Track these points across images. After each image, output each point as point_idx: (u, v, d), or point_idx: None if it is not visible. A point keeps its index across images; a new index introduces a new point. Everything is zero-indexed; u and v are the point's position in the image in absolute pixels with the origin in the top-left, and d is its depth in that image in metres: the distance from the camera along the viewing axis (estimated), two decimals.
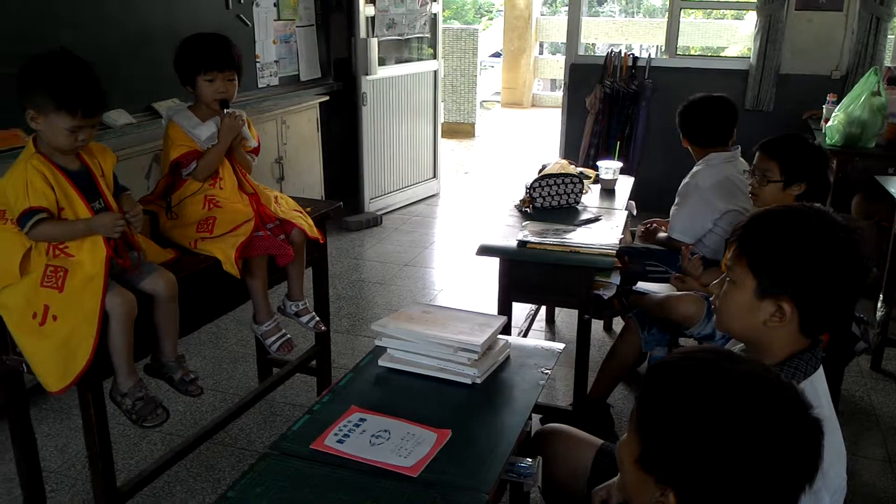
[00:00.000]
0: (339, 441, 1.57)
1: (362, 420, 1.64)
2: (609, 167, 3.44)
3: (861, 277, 1.36)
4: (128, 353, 2.02)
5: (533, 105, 11.15)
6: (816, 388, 1.36)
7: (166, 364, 2.24)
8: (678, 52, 5.86)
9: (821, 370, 1.40)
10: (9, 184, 1.89)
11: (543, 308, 3.87)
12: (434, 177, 6.22)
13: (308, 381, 3.17)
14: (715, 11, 12.53)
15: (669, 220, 3.19)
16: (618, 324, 3.60)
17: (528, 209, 3.08)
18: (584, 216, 3.01)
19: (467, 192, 6.53)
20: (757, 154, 2.63)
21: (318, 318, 2.75)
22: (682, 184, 3.15)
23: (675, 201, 3.16)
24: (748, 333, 1.42)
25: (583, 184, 3.18)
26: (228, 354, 3.52)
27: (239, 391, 3.17)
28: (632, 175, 3.85)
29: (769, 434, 0.95)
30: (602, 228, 2.88)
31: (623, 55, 5.60)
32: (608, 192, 3.40)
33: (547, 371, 1.88)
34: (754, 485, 0.94)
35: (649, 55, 5.81)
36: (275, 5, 4.76)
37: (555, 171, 3.21)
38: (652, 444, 1.00)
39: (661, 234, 3.25)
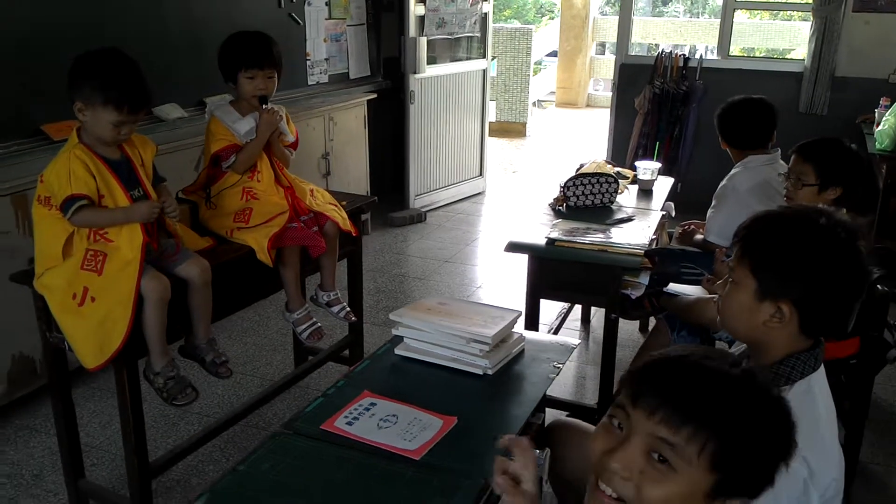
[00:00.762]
0: (349, 423, 1.63)
1: (373, 404, 1.70)
2: (647, 167, 3.44)
3: (862, 281, 1.36)
4: (160, 334, 2.13)
5: (588, 105, 11.10)
6: (813, 387, 1.36)
7: (199, 346, 2.35)
8: (740, 54, 5.77)
9: (822, 371, 1.40)
10: (53, 172, 2.01)
11: (579, 307, 3.88)
12: (480, 175, 6.27)
13: (341, 369, 3.25)
14: (782, 13, 12.25)
15: (706, 223, 3.17)
16: (653, 324, 3.58)
17: (561, 208, 3.10)
18: (618, 216, 3.02)
19: (513, 190, 6.55)
20: (793, 157, 2.60)
21: (348, 309, 2.83)
22: (719, 186, 3.13)
23: (712, 203, 3.13)
24: (748, 333, 1.43)
25: (618, 183, 3.18)
26: (269, 342, 3.64)
27: (275, 377, 3.27)
28: (679, 177, 3.82)
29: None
30: (633, 228, 2.88)
31: (674, 56, 5.55)
32: (645, 192, 3.39)
33: (559, 365, 1.91)
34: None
35: (700, 56, 5.73)
36: (326, 4, 4.86)
37: (590, 171, 3.22)
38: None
39: (698, 237, 3.23)
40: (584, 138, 8.71)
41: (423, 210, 5.59)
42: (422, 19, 5.28)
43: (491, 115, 6.29)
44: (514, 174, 7.20)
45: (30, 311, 2.22)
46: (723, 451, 0.95)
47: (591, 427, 1.91)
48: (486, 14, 5.87)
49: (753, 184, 3.00)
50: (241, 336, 3.67)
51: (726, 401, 0.96)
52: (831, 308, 1.37)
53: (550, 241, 2.69)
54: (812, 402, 1.35)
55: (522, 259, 2.77)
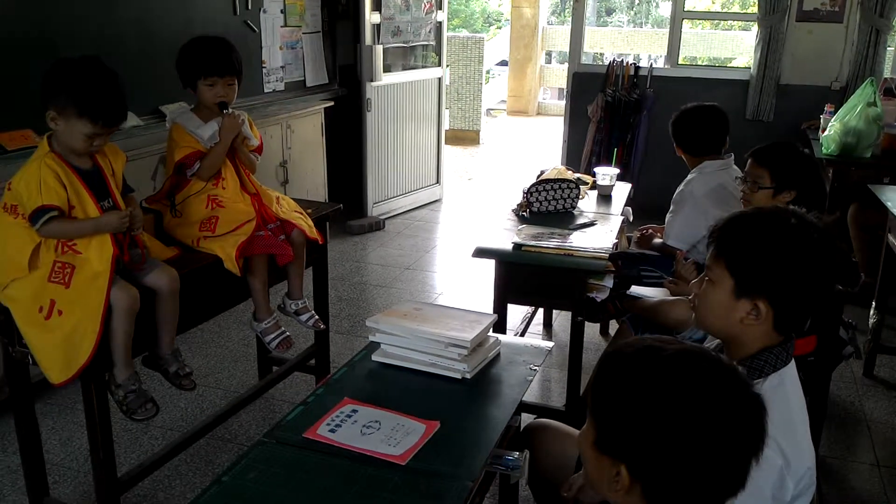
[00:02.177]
0: (332, 430, 1.62)
1: (354, 411, 1.70)
2: (606, 173, 3.50)
3: (833, 278, 1.42)
4: (127, 345, 2.09)
5: (538, 113, 11.23)
6: (785, 380, 1.41)
7: (163, 357, 2.31)
8: (683, 62, 5.92)
9: (792, 364, 1.45)
10: (22, 181, 1.96)
11: (541, 311, 3.92)
12: (437, 182, 6.29)
13: (307, 379, 3.23)
14: (723, 23, 12.61)
15: (665, 227, 3.24)
16: (614, 327, 3.64)
17: (524, 213, 3.14)
18: (580, 221, 3.07)
19: (470, 197, 6.59)
20: (748, 161, 2.68)
21: (317, 317, 2.81)
22: (676, 191, 3.21)
23: (671, 208, 3.21)
24: (724, 330, 1.47)
25: (579, 189, 3.24)
26: (230, 353, 3.59)
27: (239, 389, 3.22)
28: (632, 182, 3.90)
29: (706, 405, 1.01)
30: (596, 233, 2.93)
31: (625, 64, 5.67)
32: (605, 197, 3.45)
33: (535, 367, 1.93)
34: (699, 456, 1.00)
35: (651, 64, 5.86)
36: (282, 12, 4.84)
37: (552, 177, 3.26)
38: (604, 426, 1.07)
39: (657, 241, 3.30)
40: (537, 146, 8.82)
41: (382, 218, 5.59)
42: (377, 27, 5.28)
43: (445, 124, 6.33)
44: (470, 181, 7.25)
45: None
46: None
47: (568, 428, 1.94)
48: (440, 23, 5.91)
49: (709, 188, 3.08)
50: (202, 347, 3.61)
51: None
52: (806, 304, 1.42)
53: (517, 246, 2.72)
54: (784, 394, 1.40)
55: (483, 265, 2.80)
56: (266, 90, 4.77)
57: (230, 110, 2.52)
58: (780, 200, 2.60)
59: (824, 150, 4.17)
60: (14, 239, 2.00)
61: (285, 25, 4.89)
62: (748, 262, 1.41)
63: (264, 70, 4.75)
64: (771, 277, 1.39)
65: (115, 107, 2.00)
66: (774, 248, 1.40)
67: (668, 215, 3.22)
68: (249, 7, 4.53)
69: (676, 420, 1.00)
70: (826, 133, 4.21)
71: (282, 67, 4.89)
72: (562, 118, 6.18)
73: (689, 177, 3.18)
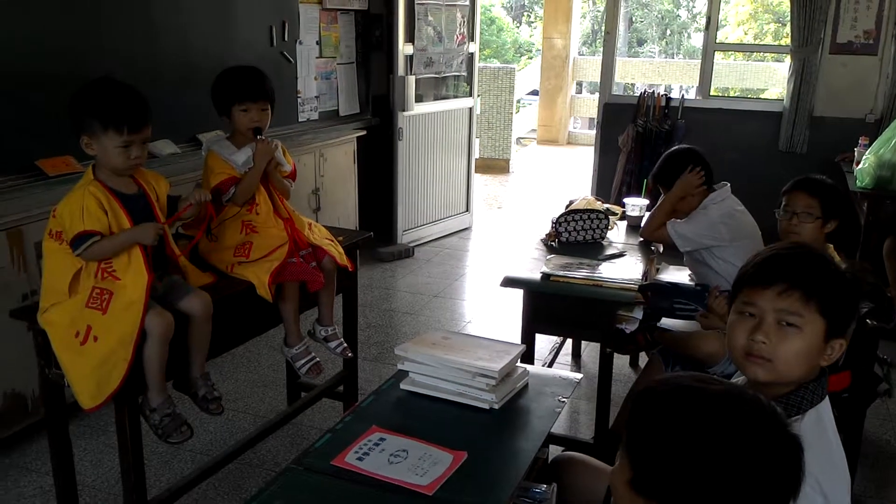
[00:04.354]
0: (359, 458, 1.63)
1: (382, 439, 1.70)
2: (635, 204, 3.50)
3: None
4: (161, 370, 2.12)
5: (568, 143, 11.25)
6: (822, 415, 1.40)
7: (193, 380, 2.34)
8: (715, 93, 5.91)
9: (827, 400, 1.43)
10: (66, 207, 2.02)
11: (570, 342, 3.91)
12: (467, 211, 6.32)
13: (335, 405, 3.25)
14: (755, 54, 12.59)
15: (669, 226, 3.16)
16: (644, 360, 3.61)
17: (553, 243, 3.14)
18: (609, 251, 3.07)
19: (499, 226, 6.60)
20: (794, 192, 2.65)
21: (345, 345, 2.83)
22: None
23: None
24: (802, 377, 1.44)
25: (608, 220, 3.24)
26: (260, 378, 3.62)
27: (268, 414, 3.25)
28: None
29: (747, 448, 1.00)
30: (626, 264, 2.93)
31: (657, 95, 5.68)
32: (634, 228, 3.45)
33: (564, 399, 1.93)
34: (739, 499, 0.99)
35: (682, 96, 5.86)
36: (317, 43, 4.94)
37: (581, 207, 3.27)
38: (641, 467, 1.06)
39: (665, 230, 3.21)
40: (567, 175, 8.83)
41: (411, 245, 5.62)
42: (410, 58, 5.36)
43: (475, 152, 6.38)
44: (500, 210, 7.27)
45: (23, 348, 2.21)
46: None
47: (596, 462, 1.93)
48: (472, 54, 5.98)
49: (722, 213, 3.06)
50: (233, 372, 3.65)
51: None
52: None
53: (545, 276, 2.72)
54: (823, 430, 1.39)
55: (512, 294, 2.79)
56: (300, 119, 4.86)
57: (263, 136, 2.58)
58: (826, 231, 2.60)
59: (859, 184, 4.13)
60: (58, 264, 2.05)
61: (320, 56, 4.99)
62: (841, 304, 1.39)
63: (299, 100, 4.83)
64: (850, 314, 1.41)
65: (135, 109, 2.05)
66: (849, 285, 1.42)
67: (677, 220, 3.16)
68: (286, 38, 4.63)
69: (718, 463, 0.99)
70: (860, 166, 4.17)
71: (316, 97, 4.98)
72: (592, 148, 6.20)
73: (705, 203, 3.13)
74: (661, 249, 3.48)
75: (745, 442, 1.00)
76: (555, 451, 2.55)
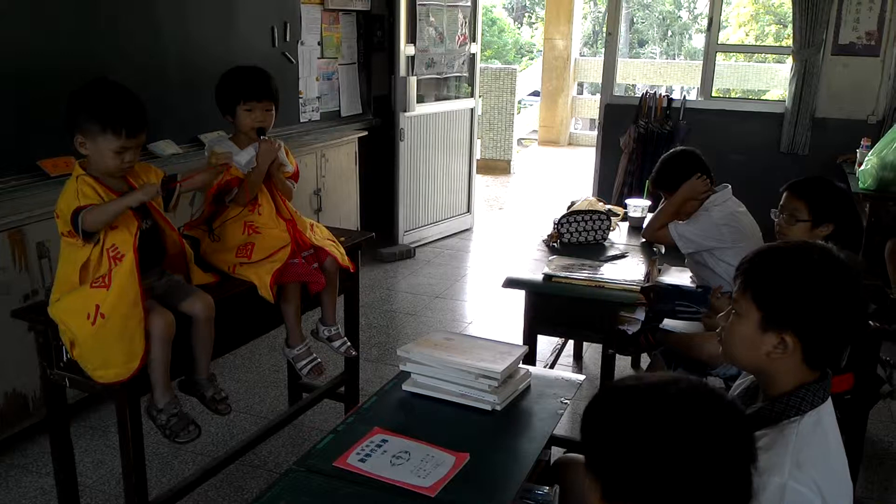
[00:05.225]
0: (361, 460, 1.63)
1: (384, 441, 1.70)
2: (637, 205, 3.50)
3: (861, 314, 1.40)
4: (165, 370, 2.12)
5: (570, 144, 11.25)
6: (822, 419, 1.39)
7: (199, 381, 2.34)
8: (716, 95, 5.90)
9: (829, 402, 1.43)
10: (64, 200, 2.02)
11: (571, 343, 3.90)
12: (468, 211, 6.32)
13: (336, 406, 3.24)
14: (757, 55, 12.59)
15: (671, 227, 3.16)
16: (645, 361, 3.61)
17: (555, 244, 3.14)
18: (611, 252, 3.06)
19: (501, 227, 6.60)
20: (785, 194, 2.65)
21: (349, 343, 2.83)
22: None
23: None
24: (752, 364, 1.46)
25: (610, 221, 3.23)
26: (261, 379, 3.61)
27: (269, 414, 3.24)
28: None
29: (690, 428, 1.06)
30: (628, 265, 2.92)
31: (658, 96, 5.67)
32: (636, 229, 3.44)
33: (566, 401, 1.93)
34: (696, 481, 1.04)
35: (684, 97, 5.86)
36: (319, 44, 4.94)
37: (583, 208, 3.27)
38: (604, 478, 1.10)
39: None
40: (568, 176, 8.82)
41: (412, 246, 5.62)
42: (411, 59, 5.36)
43: (476, 153, 6.38)
44: (501, 210, 7.27)
45: (24, 348, 2.21)
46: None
47: None
48: (473, 55, 5.98)
49: (724, 214, 3.05)
50: (234, 373, 3.65)
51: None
52: (834, 339, 1.40)
53: (547, 277, 2.72)
54: (822, 432, 1.38)
55: (513, 295, 2.79)
56: (302, 120, 4.86)
57: (267, 136, 2.58)
58: (817, 234, 2.58)
59: (861, 185, 4.13)
60: (69, 258, 2.06)
61: (322, 57, 4.99)
62: (773, 294, 1.40)
63: (300, 100, 4.83)
64: (796, 310, 1.38)
65: (133, 114, 2.04)
66: (801, 280, 1.39)
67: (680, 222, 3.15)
68: (288, 39, 4.63)
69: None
70: (863, 167, 4.16)
71: (318, 98, 4.98)
72: (593, 149, 6.19)
73: (706, 205, 3.13)
74: (663, 250, 3.48)
75: (689, 423, 1.06)
76: (557, 452, 2.54)
